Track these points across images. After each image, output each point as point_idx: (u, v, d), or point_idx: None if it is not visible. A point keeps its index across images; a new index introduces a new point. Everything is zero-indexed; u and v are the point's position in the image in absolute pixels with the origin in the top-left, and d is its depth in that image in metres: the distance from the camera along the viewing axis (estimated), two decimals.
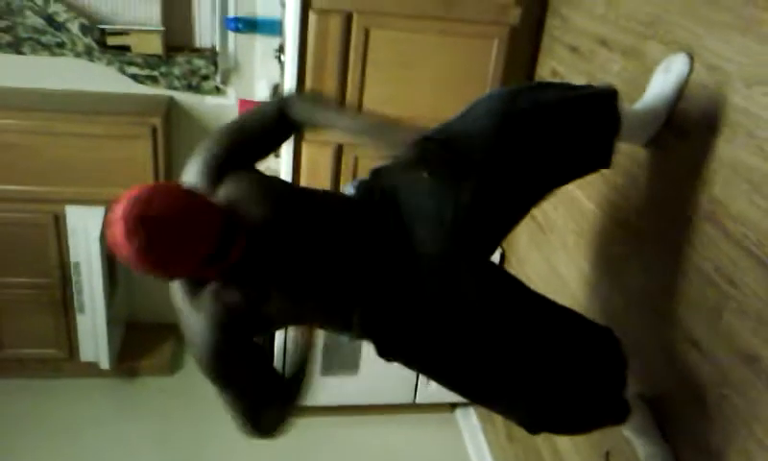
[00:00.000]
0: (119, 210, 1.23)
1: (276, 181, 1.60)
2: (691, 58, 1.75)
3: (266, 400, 1.50)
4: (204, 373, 1.43)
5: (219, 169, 1.49)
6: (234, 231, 1.36)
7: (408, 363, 1.69)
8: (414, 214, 1.59)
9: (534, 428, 1.75)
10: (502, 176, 1.61)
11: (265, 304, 1.44)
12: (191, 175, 1.50)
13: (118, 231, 1.22)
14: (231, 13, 2.99)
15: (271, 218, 1.46)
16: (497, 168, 1.60)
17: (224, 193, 1.46)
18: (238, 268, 1.39)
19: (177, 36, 3.05)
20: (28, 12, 2.82)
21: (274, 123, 1.63)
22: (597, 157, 1.75)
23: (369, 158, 2.58)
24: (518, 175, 1.63)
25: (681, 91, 1.77)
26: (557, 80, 2.54)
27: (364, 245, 1.54)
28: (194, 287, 1.40)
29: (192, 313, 1.39)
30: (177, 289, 1.42)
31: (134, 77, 3.01)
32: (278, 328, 1.61)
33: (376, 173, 1.69)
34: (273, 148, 1.66)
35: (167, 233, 1.23)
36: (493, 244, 1.76)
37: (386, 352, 1.65)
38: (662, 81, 1.82)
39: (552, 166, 1.68)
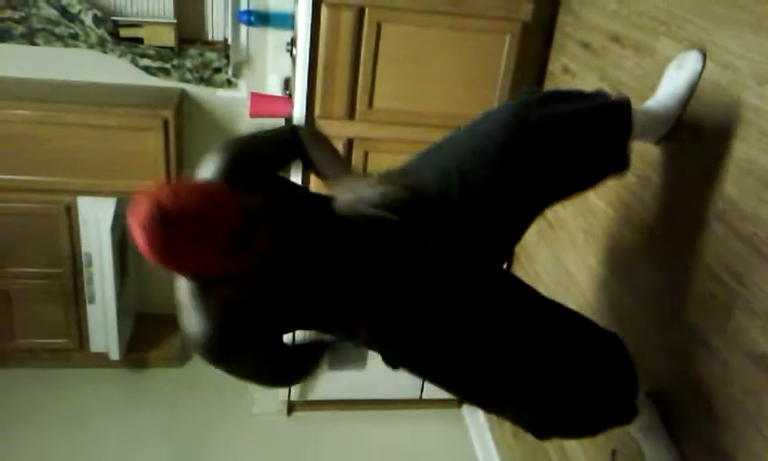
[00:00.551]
0: (136, 214, 1.22)
1: (289, 185, 1.59)
2: (704, 55, 1.74)
3: (272, 376, 1.53)
4: (204, 360, 1.42)
5: (233, 179, 1.44)
6: (254, 226, 1.33)
7: (416, 372, 1.69)
8: (424, 223, 1.59)
9: (542, 434, 1.75)
10: (515, 188, 1.61)
11: (272, 309, 1.44)
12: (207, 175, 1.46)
13: (137, 236, 1.21)
14: (244, 7, 3.00)
15: (288, 225, 1.44)
16: (510, 180, 1.60)
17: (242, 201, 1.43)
18: (251, 270, 1.38)
19: (189, 29, 3.06)
20: (42, 3, 2.84)
21: (286, 141, 1.62)
22: (611, 164, 1.74)
23: (379, 153, 2.59)
24: (531, 186, 1.63)
25: (693, 89, 1.76)
26: (569, 84, 2.52)
27: (373, 253, 1.53)
28: (204, 285, 1.39)
29: (195, 308, 1.36)
30: (183, 283, 1.41)
31: (147, 69, 3.02)
32: (280, 332, 1.59)
33: (387, 178, 1.68)
34: (284, 163, 1.65)
35: (182, 231, 1.20)
36: (504, 252, 1.76)
37: (393, 361, 1.65)
38: (675, 78, 1.80)
39: (565, 177, 1.67)
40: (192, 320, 1.37)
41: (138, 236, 1.20)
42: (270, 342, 1.50)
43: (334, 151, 1.68)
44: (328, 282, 1.48)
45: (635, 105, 2.01)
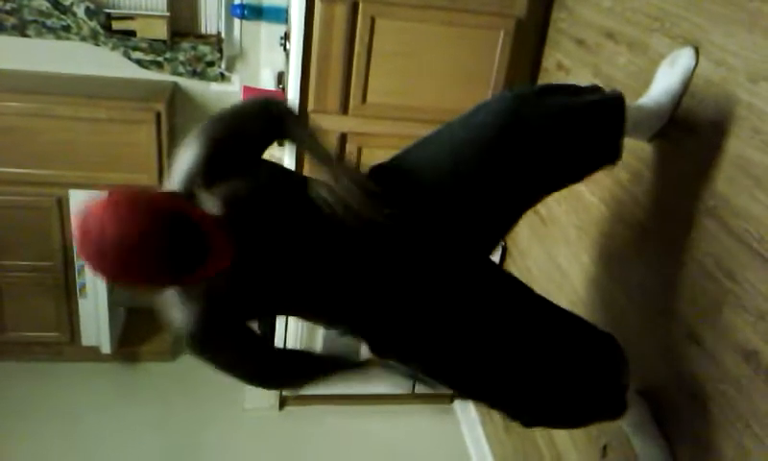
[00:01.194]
0: (80, 238, 1.18)
1: (274, 171, 1.55)
2: (697, 51, 1.74)
3: (260, 374, 1.51)
4: (191, 353, 1.41)
5: (214, 166, 1.41)
6: (202, 239, 1.26)
7: (403, 361, 1.69)
8: (415, 210, 1.59)
9: (529, 423, 1.76)
10: (507, 178, 1.61)
11: (254, 299, 1.43)
12: (183, 170, 1.41)
13: (81, 257, 1.20)
14: (237, 0, 2.98)
15: (265, 218, 1.42)
16: (502, 170, 1.60)
17: (220, 192, 1.38)
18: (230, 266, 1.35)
19: (182, 22, 3.05)
20: None
21: (267, 119, 1.58)
22: (603, 156, 1.75)
23: (372, 148, 2.59)
24: (523, 177, 1.63)
25: (686, 85, 1.77)
26: (563, 80, 2.53)
27: (359, 242, 1.52)
28: None
29: (176, 300, 1.35)
30: None
31: (139, 62, 3.01)
32: (267, 317, 1.57)
33: (377, 170, 1.68)
34: (266, 142, 1.60)
35: (123, 262, 1.16)
36: (492, 243, 1.75)
37: (380, 350, 1.65)
38: (668, 74, 1.81)
39: (557, 168, 1.67)
40: (174, 312, 1.36)
41: (82, 258, 1.19)
42: (253, 335, 1.50)
43: (313, 130, 1.67)
44: (311, 268, 1.47)
45: (628, 101, 2.02)
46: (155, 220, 1.18)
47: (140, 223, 1.16)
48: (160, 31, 2.95)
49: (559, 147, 1.62)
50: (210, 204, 1.35)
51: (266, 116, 1.59)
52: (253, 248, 1.37)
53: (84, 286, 3.08)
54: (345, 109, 2.50)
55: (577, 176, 1.77)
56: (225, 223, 1.31)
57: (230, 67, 3.13)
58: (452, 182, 1.60)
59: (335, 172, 1.52)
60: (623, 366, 1.77)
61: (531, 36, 2.70)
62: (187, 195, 1.37)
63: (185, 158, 1.41)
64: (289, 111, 1.65)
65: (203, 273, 1.26)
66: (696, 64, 1.74)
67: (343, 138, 2.55)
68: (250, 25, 3.07)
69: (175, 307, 1.35)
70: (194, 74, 3.08)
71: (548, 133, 1.60)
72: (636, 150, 1.96)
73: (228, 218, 1.33)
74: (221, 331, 1.40)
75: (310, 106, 2.48)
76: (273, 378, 1.57)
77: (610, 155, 1.74)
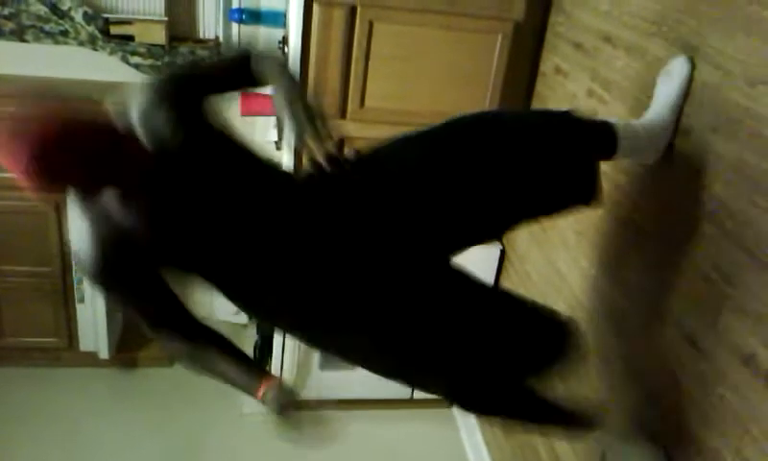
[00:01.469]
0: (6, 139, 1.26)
1: (220, 135, 1.52)
2: (691, 59, 1.74)
3: (163, 326, 1.53)
4: (90, 282, 1.44)
5: (170, 98, 1.43)
6: (124, 159, 1.34)
7: (336, 352, 1.68)
8: (359, 208, 1.55)
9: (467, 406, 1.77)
10: (476, 190, 1.59)
11: (161, 244, 1.42)
12: (139, 101, 1.46)
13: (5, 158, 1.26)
14: (235, 5, 2.99)
15: (196, 163, 1.42)
16: (464, 180, 1.58)
17: (163, 124, 1.41)
18: (144, 196, 1.37)
19: (180, 27, 3.05)
20: (32, 0, 2.82)
21: (234, 64, 1.58)
22: (578, 190, 1.72)
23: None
24: (485, 193, 1.60)
25: (685, 93, 1.76)
26: (561, 84, 2.53)
27: (292, 226, 1.48)
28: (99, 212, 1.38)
29: (86, 232, 1.37)
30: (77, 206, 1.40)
31: (137, 67, 3.00)
32: (175, 274, 1.54)
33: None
34: (227, 88, 1.59)
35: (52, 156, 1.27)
36: (446, 250, 1.67)
37: (310, 340, 1.65)
38: (665, 90, 1.79)
39: (523, 191, 1.64)
40: (82, 242, 1.38)
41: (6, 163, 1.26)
42: (156, 286, 1.49)
43: (283, 62, 1.65)
44: (235, 239, 1.44)
45: (625, 103, 2.02)
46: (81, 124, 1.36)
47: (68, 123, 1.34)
48: (159, 35, 2.95)
49: (527, 160, 1.61)
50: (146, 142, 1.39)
51: (232, 56, 1.63)
52: (179, 200, 1.39)
53: (82, 292, 3.08)
54: (343, 113, 2.50)
55: (551, 201, 1.73)
56: (150, 159, 1.37)
57: None
58: (414, 187, 1.57)
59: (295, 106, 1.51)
60: (564, 353, 1.69)
61: (529, 40, 2.71)
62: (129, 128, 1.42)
63: (139, 98, 1.46)
64: (255, 49, 1.60)
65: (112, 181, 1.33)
66: (691, 71, 1.73)
67: (341, 143, 2.55)
68: (248, 29, 3.07)
69: (83, 234, 1.38)
70: None
71: (522, 133, 1.61)
72: None
73: (157, 162, 1.38)
74: (122, 270, 1.41)
75: None
76: (163, 329, 1.56)
77: (586, 183, 1.72)
